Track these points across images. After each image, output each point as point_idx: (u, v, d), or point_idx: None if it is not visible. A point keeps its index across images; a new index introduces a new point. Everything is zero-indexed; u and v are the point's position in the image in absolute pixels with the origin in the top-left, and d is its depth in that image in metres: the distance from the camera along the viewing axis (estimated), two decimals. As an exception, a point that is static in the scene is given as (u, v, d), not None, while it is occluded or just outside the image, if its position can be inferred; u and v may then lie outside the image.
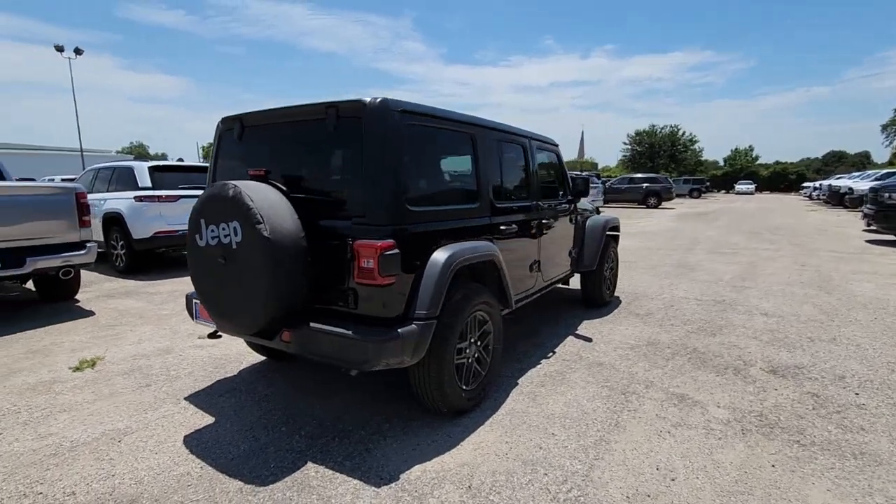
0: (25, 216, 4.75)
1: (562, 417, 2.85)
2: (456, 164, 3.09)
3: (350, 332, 2.33)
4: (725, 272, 7.28)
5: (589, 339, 4.24)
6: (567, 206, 4.45)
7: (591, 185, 17.84)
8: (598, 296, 5.14)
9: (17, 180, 8.83)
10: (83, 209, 5.13)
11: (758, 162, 54.38)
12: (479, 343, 2.96)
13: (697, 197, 35.51)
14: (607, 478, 2.28)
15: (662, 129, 47.55)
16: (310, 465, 2.39)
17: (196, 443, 2.61)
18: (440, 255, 2.56)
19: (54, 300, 5.72)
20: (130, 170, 7.55)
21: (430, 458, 2.44)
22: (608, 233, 5.21)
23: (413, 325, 2.42)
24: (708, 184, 39.69)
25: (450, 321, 2.62)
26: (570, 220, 4.53)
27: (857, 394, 3.14)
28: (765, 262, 8.06)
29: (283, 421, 2.84)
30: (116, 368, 3.66)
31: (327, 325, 2.40)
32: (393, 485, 2.22)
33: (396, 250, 2.32)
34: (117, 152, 57.82)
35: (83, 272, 7.45)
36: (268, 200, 2.37)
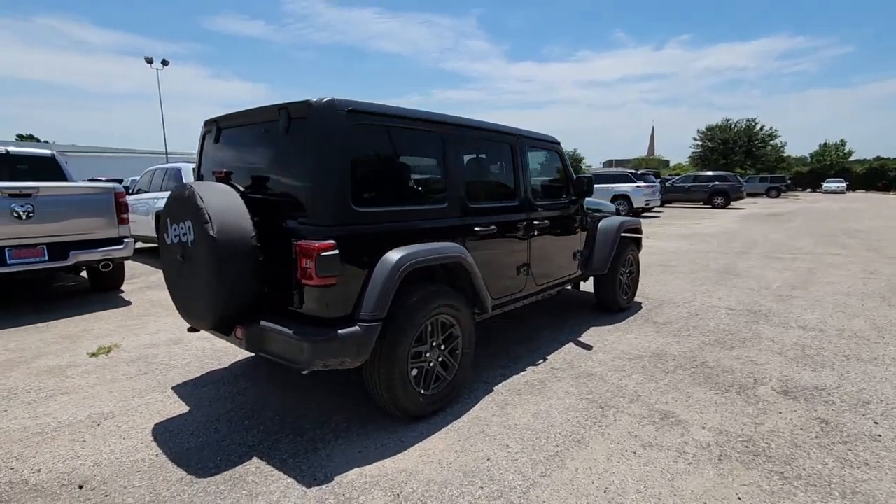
0: (70, 214, 5.22)
1: (524, 429, 2.71)
2: (421, 164, 3.02)
3: (290, 331, 2.35)
4: (775, 279, 6.65)
5: (589, 347, 4.02)
6: (570, 206, 4.23)
7: (647, 184, 17.00)
8: (612, 301, 4.86)
9: (106, 181, 9.74)
10: (121, 207, 5.57)
11: (851, 158, 49.18)
12: (443, 347, 2.88)
13: (776, 196, 32.75)
14: (546, 497, 2.14)
15: (737, 123, 44.15)
16: (255, 460, 2.43)
17: (163, 431, 2.74)
18: (390, 257, 2.52)
19: (102, 290, 6.27)
20: (178, 170, 8.11)
21: (372, 461, 2.41)
22: (624, 235, 4.91)
23: (356, 327, 2.40)
24: (789, 182, 36.46)
25: (402, 324, 2.58)
26: (575, 221, 4.31)
27: (876, 423, 2.74)
28: (826, 269, 7.27)
29: (249, 415, 2.92)
30: (126, 356, 3.94)
31: (274, 324, 2.44)
32: (324, 486, 2.21)
33: (336, 251, 2.31)
34: (199, 154, 62.44)
35: (138, 265, 8.12)
36: (219, 201, 2.43)
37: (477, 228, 3.13)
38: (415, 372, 2.73)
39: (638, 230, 5.23)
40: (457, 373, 2.97)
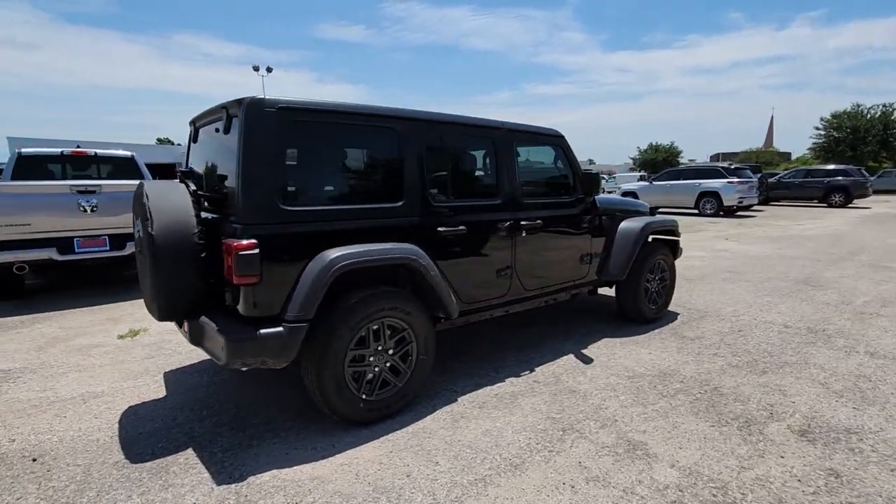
0: (129, 208, 5.81)
1: (465, 446, 2.52)
2: (370, 162, 2.89)
3: (215, 327, 2.38)
4: (866, 293, 5.61)
5: (588, 361, 3.66)
6: (574, 205, 3.87)
7: (741, 180, 15.30)
8: (633, 310, 4.39)
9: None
10: (173, 203, 6.09)
11: None
12: (391, 352, 2.76)
13: (919, 193, 27.81)
14: (444, 526, 1.95)
15: (871, 109, 37.97)
16: (188, 451, 2.50)
17: (131, 414, 2.93)
18: (321, 258, 2.45)
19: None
20: None
21: (293, 464, 2.37)
22: (653, 237, 4.41)
23: (279, 327, 2.37)
24: (938, 177, 30.72)
25: (335, 325, 2.50)
26: (583, 221, 3.93)
27: (906, 484, 2.17)
28: (942, 283, 6.00)
29: (211, 405, 3.02)
30: (145, 340, 4.30)
31: (209, 320, 2.48)
32: (233, 486, 2.21)
33: (256, 251, 2.29)
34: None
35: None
36: (164, 199, 2.52)
37: (441, 229, 2.96)
38: (356, 376, 2.64)
39: (671, 232, 4.67)
40: (409, 379, 2.83)
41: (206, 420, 2.83)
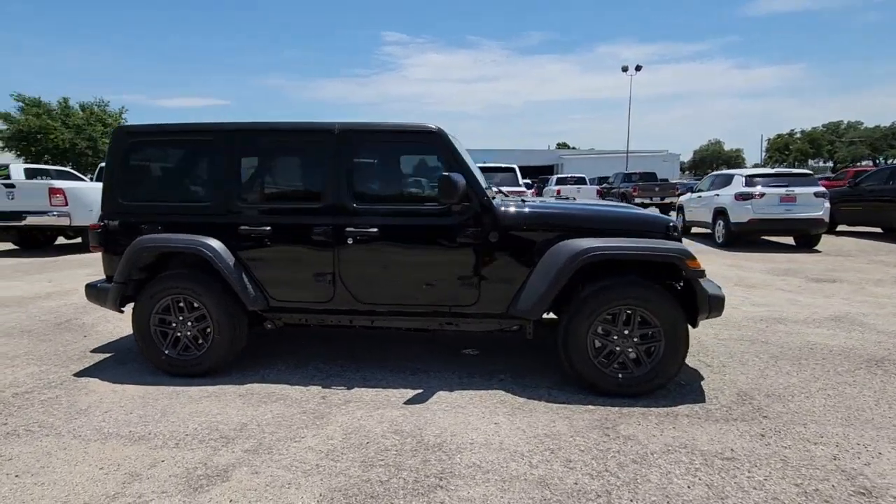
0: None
1: (169, 414, 2.85)
2: (190, 169, 3.44)
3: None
4: None
5: (419, 402, 3.01)
6: (445, 213, 3.09)
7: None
8: (571, 371, 3.08)
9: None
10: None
11: None
12: (190, 324, 3.34)
13: None
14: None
15: None
16: (109, 355, 3.87)
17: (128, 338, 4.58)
18: (135, 241, 3.30)
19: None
20: (730, 176, 10.48)
21: (116, 382, 3.31)
22: (646, 269, 3.00)
23: (110, 284, 3.42)
24: None
25: (144, 292, 3.34)
26: (459, 234, 3.11)
27: None
28: None
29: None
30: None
31: (103, 275, 3.77)
32: (76, 378, 3.41)
33: (100, 229, 3.40)
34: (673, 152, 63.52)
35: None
36: None
37: (243, 227, 3.26)
38: (163, 334, 3.37)
39: (668, 259, 2.93)
40: (206, 352, 3.33)
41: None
